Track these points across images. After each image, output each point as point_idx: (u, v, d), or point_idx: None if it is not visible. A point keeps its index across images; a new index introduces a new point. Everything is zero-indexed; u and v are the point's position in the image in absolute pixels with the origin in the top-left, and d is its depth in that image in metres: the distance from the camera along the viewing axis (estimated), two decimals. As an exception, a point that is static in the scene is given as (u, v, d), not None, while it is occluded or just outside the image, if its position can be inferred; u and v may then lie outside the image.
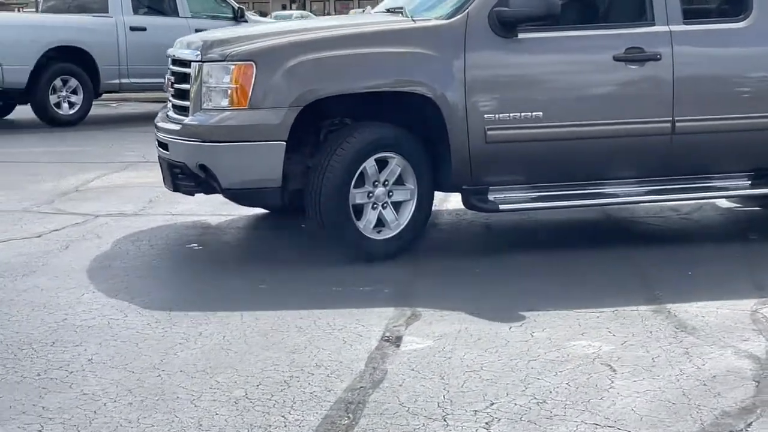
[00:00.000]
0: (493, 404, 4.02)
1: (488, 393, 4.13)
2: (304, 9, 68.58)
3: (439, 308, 5.34)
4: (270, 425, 3.81)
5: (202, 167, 6.24)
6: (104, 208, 8.16)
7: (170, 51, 6.94)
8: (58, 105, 14.78)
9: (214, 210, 7.80)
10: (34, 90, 14.60)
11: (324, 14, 60.68)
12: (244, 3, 67.72)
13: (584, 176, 6.69)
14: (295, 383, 4.25)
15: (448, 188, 6.70)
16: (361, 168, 6.24)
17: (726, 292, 5.65)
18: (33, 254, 6.54)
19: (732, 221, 7.84)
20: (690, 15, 6.79)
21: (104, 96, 16.02)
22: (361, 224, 6.29)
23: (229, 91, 6.12)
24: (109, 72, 15.17)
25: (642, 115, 6.61)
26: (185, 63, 6.56)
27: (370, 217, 6.34)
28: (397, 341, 4.83)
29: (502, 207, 6.50)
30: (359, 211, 6.32)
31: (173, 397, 4.08)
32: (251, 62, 6.09)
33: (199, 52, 6.39)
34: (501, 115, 6.38)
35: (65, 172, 10.03)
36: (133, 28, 15.25)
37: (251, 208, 7.38)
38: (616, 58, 6.53)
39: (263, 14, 48.79)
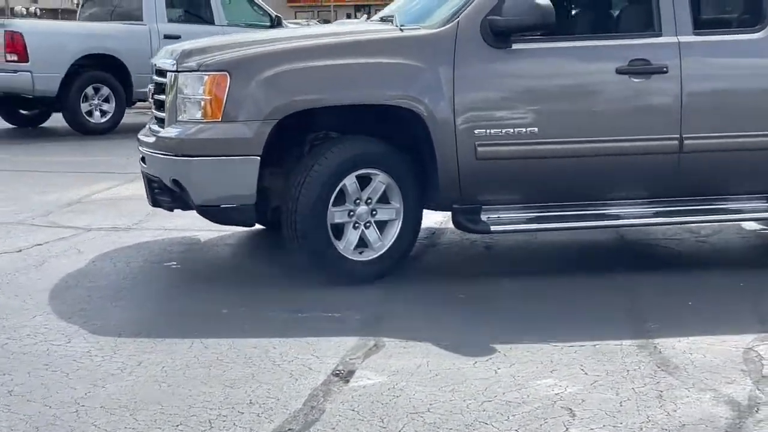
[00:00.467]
0: (426, 453, 3.64)
1: (426, 440, 3.76)
2: (369, 17, 68.34)
3: (406, 338, 4.96)
4: (173, 473, 3.47)
5: (176, 182, 5.94)
6: (99, 221, 7.91)
7: (153, 60, 6.64)
8: (89, 113, 14.67)
9: (209, 225, 7.45)
10: (66, 98, 14.48)
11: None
12: (309, 12, 67.73)
13: (585, 196, 6.27)
14: (219, 424, 3.91)
15: (438, 207, 6.33)
16: (341, 185, 5.88)
17: (724, 326, 5.20)
18: (3, 270, 6.29)
19: (752, 245, 7.34)
20: (701, 25, 6.34)
21: (139, 105, 15.81)
22: (340, 245, 5.94)
23: (203, 103, 5.80)
24: (142, 80, 14.88)
25: (647, 132, 6.18)
26: (164, 73, 6.26)
27: (351, 237, 5.98)
28: (347, 376, 4.46)
29: (493, 228, 6.11)
30: (340, 230, 5.96)
31: (82, 437, 3.76)
32: (225, 72, 5.77)
33: (175, 61, 6.08)
34: (493, 131, 5.98)
35: (75, 183, 9.83)
36: (167, 36, 15.00)
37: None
38: (619, 71, 6.10)
39: (326, 23, 48.64)
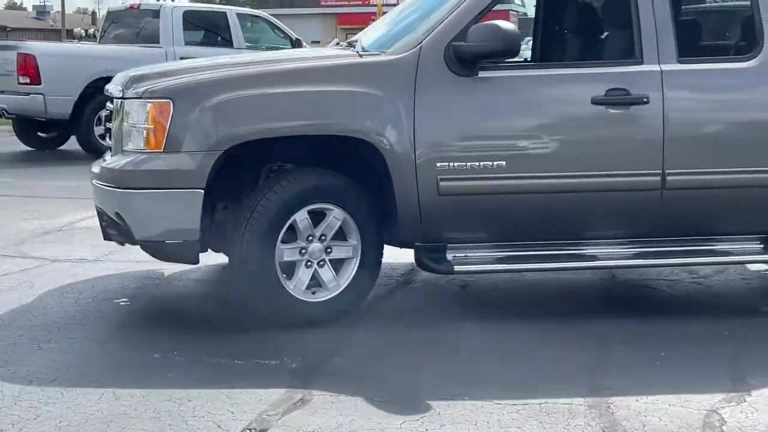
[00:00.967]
0: None
1: None
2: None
3: (338, 391, 4.56)
4: None
5: (118, 216, 5.59)
6: (69, 252, 7.60)
7: (107, 86, 6.32)
8: (103, 137, 14.40)
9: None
10: (79, 121, 14.28)
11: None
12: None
13: (559, 235, 5.84)
14: (91, 491, 3.52)
15: (400, 244, 5.91)
16: (291, 221, 5.50)
17: (692, 383, 4.75)
18: (-55, 304, 5.97)
19: (751, 288, 6.83)
20: (687, 52, 5.87)
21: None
22: (291, 284, 5.55)
23: (146, 132, 5.45)
24: (157, 103, 14.70)
25: (626, 167, 5.73)
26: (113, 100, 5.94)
27: (303, 276, 5.59)
28: (257, 436, 4.06)
29: (458, 268, 5.70)
30: (291, 269, 5.58)
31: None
32: (168, 100, 5.42)
33: (121, 88, 5.75)
34: (457, 164, 5.57)
35: (62, 210, 9.53)
36: (183, 59, 14.72)
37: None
38: (595, 101, 5.66)
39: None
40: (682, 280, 6.88)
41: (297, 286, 5.56)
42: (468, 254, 5.75)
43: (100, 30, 17.49)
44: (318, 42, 16.95)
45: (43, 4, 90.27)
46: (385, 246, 5.83)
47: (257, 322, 5.54)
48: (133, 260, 7.20)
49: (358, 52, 5.89)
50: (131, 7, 16.76)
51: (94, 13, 75.77)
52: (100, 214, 5.96)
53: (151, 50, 14.92)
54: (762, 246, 5.99)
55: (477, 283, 6.67)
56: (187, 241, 5.45)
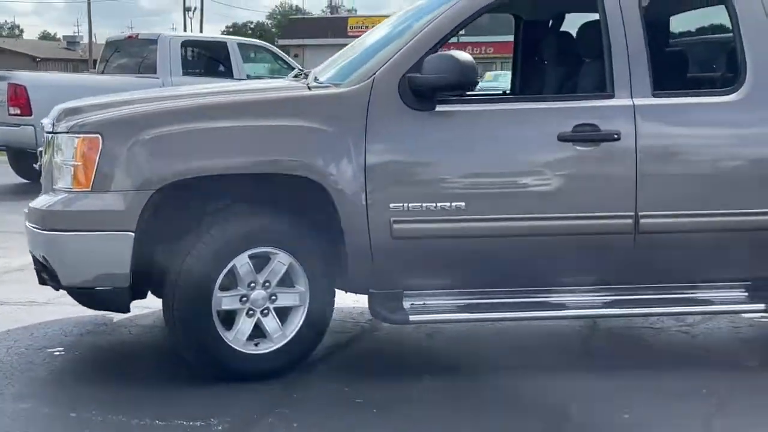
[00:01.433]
0: None
1: None
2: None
3: (261, 459, 4.11)
4: None
5: (45, 259, 5.19)
6: (21, 294, 7.20)
7: (43, 120, 5.93)
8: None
9: (139, 302, 6.69)
10: (70, 153, 13.90)
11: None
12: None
13: (525, 282, 5.40)
14: None
15: (354, 290, 5.48)
16: (230, 266, 5.08)
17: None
18: None
19: (741, 339, 6.34)
20: (663, 86, 5.43)
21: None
22: (230, 335, 5.13)
23: (74, 169, 5.05)
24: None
25: (596, 209, 5.30)
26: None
27: (244, 326, 5.17)
28: None
29: (413, 318, 5.26)
30: (232, 318, 5.16)
31: None
32: (97, 135, 5.03)
33: (52, 122, 5.37)
34: (412, 205, 5.14)
35: (32, 247, 9.10)
36: (179, 90, 14.39)
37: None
38: (562, 138, 5.23)
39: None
40: (667, 328, 6.41)
41: (237, 337, 5.14)
42: (427, 302, 5.33)
43: (99, 60, 17.19)
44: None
45: (74, 34, 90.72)
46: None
47: (194, 376, 5.11)
48: (86, 303, 6.77)
49: (307, 84, 5.48)
50: (130, 37, 16.52)
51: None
52: (34, 258, 5.56)
53: (147, 81, 14.60)
54: (747, 294, 5.55)
55: (445, 331, 6.22)
56: (117, 287, 5.04)
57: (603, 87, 5.40)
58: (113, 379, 5.28)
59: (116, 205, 4.96)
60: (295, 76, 6.08)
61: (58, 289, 5.64)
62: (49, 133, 5.40)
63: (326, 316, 5.35)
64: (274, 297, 5.21)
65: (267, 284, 5.18)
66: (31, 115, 13.71)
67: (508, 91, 7.54)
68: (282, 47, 33.71)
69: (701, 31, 6.98)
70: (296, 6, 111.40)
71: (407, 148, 5.20)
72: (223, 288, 5.10)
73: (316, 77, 5.70)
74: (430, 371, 5.41)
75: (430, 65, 5.09)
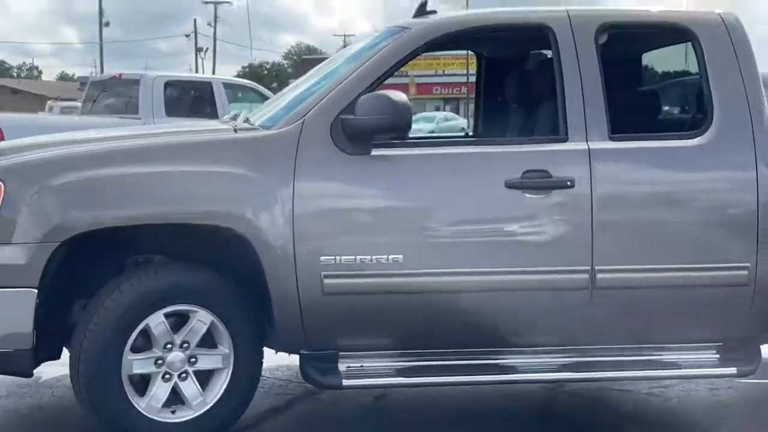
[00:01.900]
0: None
1: None
2: (457, 112, 66.94)
3: None
4: None
5: (-60, 318, 4.73)
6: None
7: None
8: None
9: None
10: (47, 195, 13.52)
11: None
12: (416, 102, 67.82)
13: (471, 343, 4.93)
14: None
15: (285, 350, 5.02)
16: (142, 325, 4.63)
17: None
18: None
19: (719, 402, 5.82)
20: (623, 129, 4.98)
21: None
22: (142, 402, 4.68)
23: (-27, 220, 4.61)
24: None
25: (548, 263, 4.84)
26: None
27: (159, 392, 4.72)
28: None
29: (347, 383, 4.81)
30: (146, 383, 4.70)
31: None
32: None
33: (-34, 165, 4.94)
34: (345, 258, 4.70)
35: None
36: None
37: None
38: (509, 185, 4.78)
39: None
40: (637, 390, 5.92)
41: (150, 404, 4.69)
42: (365, 365, 4.89)
43: (84, 100, 16.84)
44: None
45: (86, 75, 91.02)
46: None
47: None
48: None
49: (234, 126, 5.05)
50: (114, 77, 16.16)
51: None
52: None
53: (128, 122, 14.20)
54: (718, 357, 5.08)
55: (394, 393, 5.73)
56: (19, 349, 4.59)
57: (556, 130, 4.96)
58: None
59: (17, 259, 4.53)
60: (232, 118, 5.64)
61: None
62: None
63: (253, 379, 4.90)
64: (193, 359, 4.76)
65: (185, 345, 4.74)
66: (5, 156, 13.29)
67: (470, 132, 7.10)
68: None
69: (666, 72, 6.54)
70: (312, 46, 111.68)
71: (339, 195, 4.77)
72: (135, 349, 4.65)
73: (247, 119, 5.26)
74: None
75: (363, 106, 4.66)
